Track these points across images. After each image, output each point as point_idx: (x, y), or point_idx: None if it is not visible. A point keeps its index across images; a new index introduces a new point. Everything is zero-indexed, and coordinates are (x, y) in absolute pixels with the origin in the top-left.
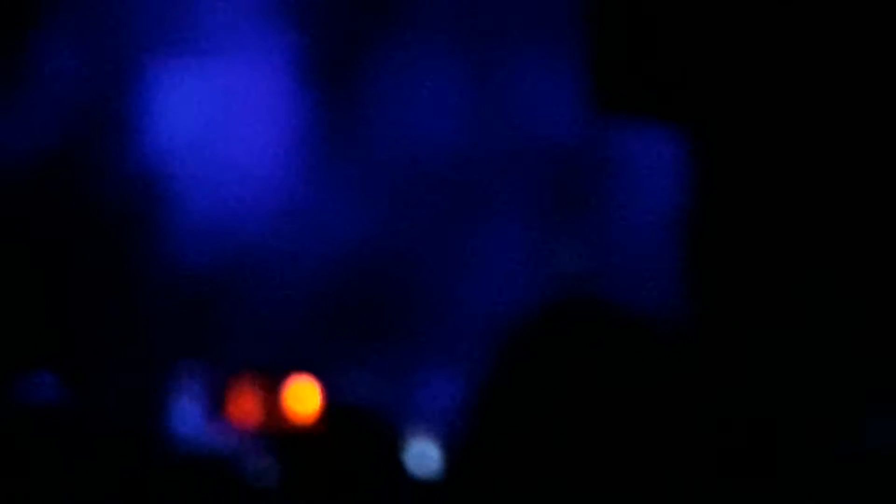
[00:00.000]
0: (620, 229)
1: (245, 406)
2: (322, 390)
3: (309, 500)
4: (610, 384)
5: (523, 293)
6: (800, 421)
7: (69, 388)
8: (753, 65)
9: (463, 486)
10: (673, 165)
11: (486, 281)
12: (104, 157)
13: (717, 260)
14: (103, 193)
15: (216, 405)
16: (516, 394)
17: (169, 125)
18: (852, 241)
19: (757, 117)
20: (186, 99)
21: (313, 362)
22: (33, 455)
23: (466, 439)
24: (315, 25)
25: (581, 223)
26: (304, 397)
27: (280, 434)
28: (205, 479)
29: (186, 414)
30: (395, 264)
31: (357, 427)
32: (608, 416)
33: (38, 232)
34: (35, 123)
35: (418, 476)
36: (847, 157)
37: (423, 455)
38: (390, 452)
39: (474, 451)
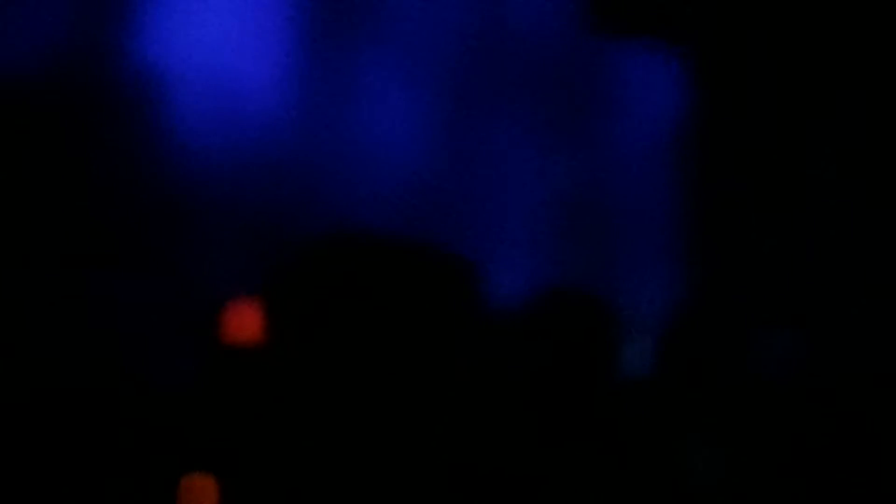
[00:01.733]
0: (615, 148)
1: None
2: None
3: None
4: None
5: (518, 204)
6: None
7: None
8: None
9: None
10: (669, 87)
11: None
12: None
13: (710, 188)
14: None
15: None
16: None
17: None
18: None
19: (755, 41)
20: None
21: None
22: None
23: None
24: None
25: (576, 140)
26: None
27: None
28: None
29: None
30: (390, 172)
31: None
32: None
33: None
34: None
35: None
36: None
37: None
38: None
39: None
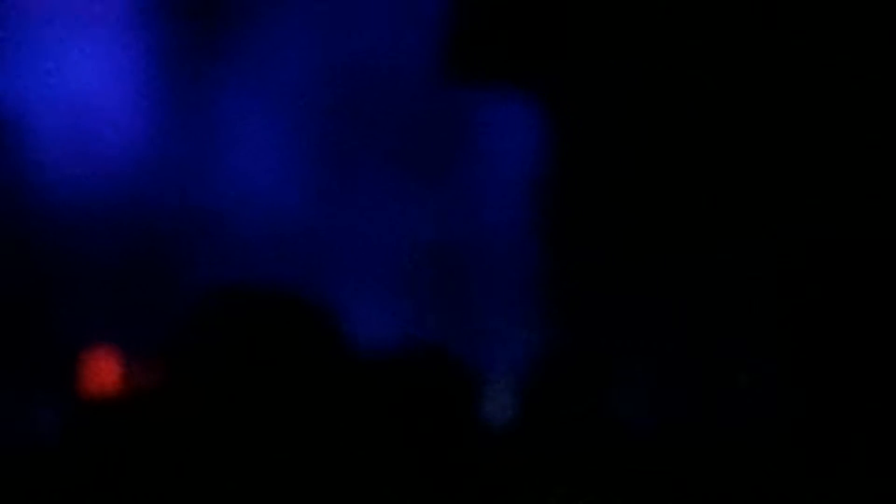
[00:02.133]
0: (474, 196)
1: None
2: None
3: None
4: None
5: (379, 250)
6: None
7: None
8: (610, 30)
9: None
10: (527, 132)
11: (347, 236)
12: None
13: (572, 229)
14: None
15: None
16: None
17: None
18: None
19: (610, 84)
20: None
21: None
22: None
23: None
24: None
25: (434, 188)
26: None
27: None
28: None
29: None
30: (251, 216)
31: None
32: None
33: None
34: None
35: None
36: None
37: None
38: None
39: None
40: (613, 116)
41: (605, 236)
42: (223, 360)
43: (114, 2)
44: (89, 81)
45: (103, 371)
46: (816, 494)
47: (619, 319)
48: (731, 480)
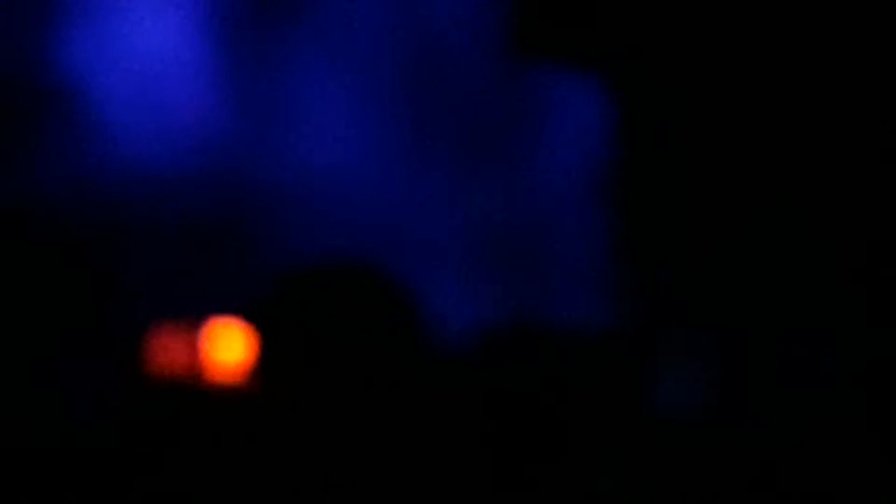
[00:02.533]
0: (538, 176)
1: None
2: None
3: None
4: None
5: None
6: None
7: None
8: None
9: None
10: (593, 113)
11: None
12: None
13: (633, 216)
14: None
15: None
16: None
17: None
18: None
19: (677, 65)
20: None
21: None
22: None
23: None
24: None
25: (498, 169)
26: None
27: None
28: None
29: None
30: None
31: None
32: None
33: None
34: None
35: None
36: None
37: None
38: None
39: None
40: (684, 100)
41: (675, 221)
42: (306, 338)
43: None
44: (160, 46)
45: (173, 346)
46: (873, 490)
47: (684, 303)
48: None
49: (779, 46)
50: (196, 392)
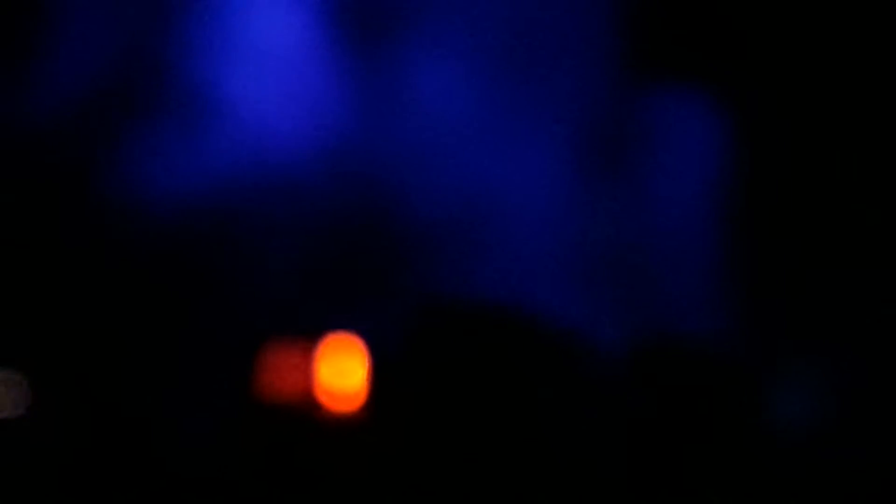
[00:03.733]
0: (657, 196)
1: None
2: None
3: None
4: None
5: (557, 250)
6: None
7: None
8: (795, 34)
9: None
10: (714, 134)
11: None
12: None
13: (754, 237)
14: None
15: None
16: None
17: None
18: None
19: (802, 88)
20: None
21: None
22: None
23: None
24: None
25: (618, 187)
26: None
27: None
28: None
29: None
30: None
31: None
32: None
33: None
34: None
35: None
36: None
37: None
38: None
39: None
40: (798, 119)
41: (786, 240)
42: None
43: None
44: (286, 43)
45: (290, 364)
46: None
47: (795, 321)
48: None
49: None
50: (311, 414)
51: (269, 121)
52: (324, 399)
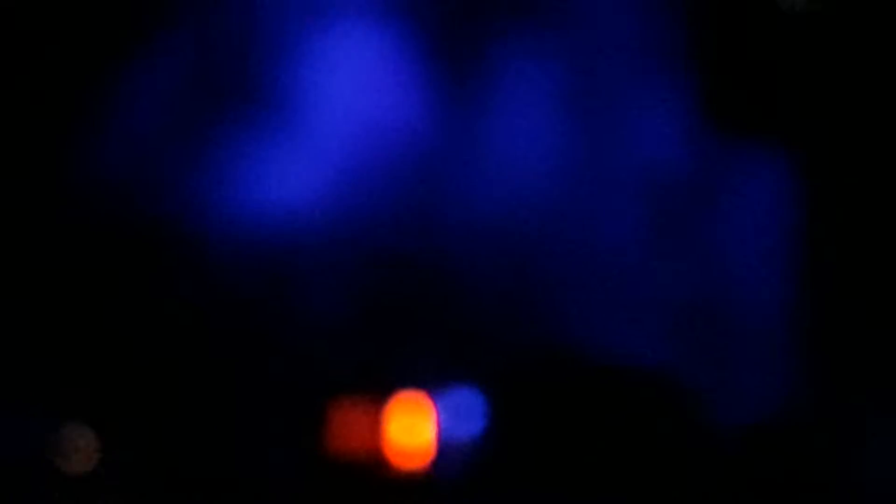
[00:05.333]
0: (729, 254)
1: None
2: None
3: None
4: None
5: (628, 311)
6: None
7: None
8: (867, 88)
9: None
10: (784, 190)
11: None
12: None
13: (826, 293)
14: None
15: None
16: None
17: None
18: None
19: (870, 142)
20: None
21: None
22: None
23: None
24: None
25: (689, 246)
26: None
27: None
28: None
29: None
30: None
31: None
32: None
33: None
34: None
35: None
36: None
37: None
38: None
39: None
40: (865, 173)
41: (859, 296)
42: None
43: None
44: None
45: (355, 421)
46: None
47: (869, 378)
48: None
49: None
50: (377, 475)
51: (352, 140)
52: (392, 456)
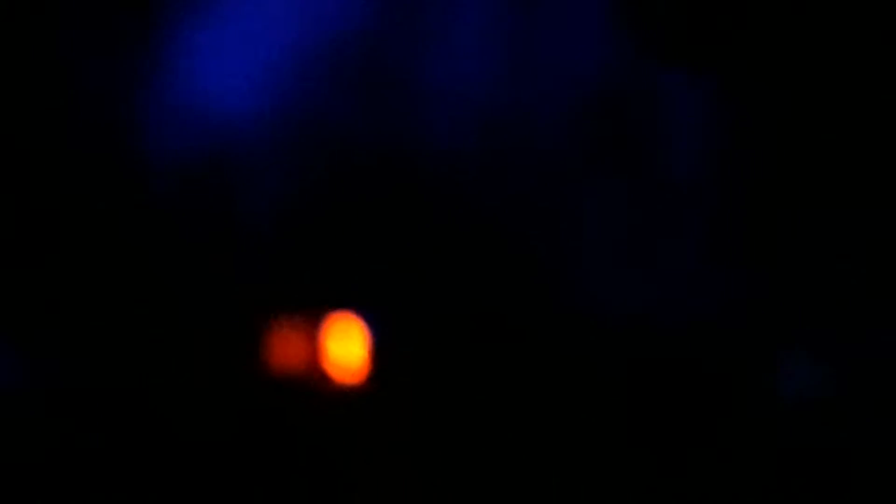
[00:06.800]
0: (655, 174)
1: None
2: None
3: None
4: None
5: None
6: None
7: None
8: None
9: None
10: (709, 111)
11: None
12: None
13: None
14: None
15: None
16: None
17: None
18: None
19: (799, 64)
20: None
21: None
22: None
23: None
24: None
25: (621, 167)
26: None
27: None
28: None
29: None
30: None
31: None
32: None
33: None
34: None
35: None
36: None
37: None
38: None
39: None
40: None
41: (791, 218)
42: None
43: None
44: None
45: (291, 340)
46: None
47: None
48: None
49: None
50: (313, 389)
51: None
52: (331, 372)
